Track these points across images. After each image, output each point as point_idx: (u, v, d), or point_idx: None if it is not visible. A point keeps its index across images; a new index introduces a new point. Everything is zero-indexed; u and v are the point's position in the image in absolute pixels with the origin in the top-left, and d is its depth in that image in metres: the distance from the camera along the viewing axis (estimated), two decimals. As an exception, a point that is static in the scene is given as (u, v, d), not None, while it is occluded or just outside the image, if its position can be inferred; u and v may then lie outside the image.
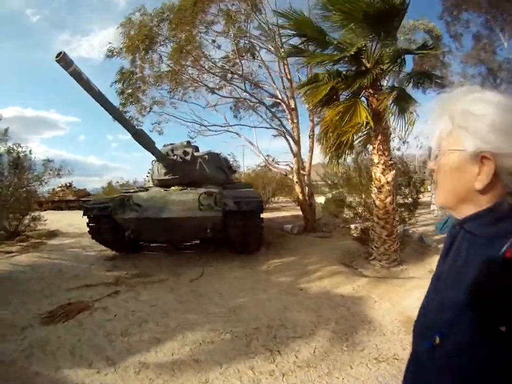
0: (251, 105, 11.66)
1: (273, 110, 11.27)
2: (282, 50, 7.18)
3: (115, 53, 10.49)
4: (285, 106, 9.88)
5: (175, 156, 6.54)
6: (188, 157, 6.63)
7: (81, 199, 20.31)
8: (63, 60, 4.07)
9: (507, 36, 13.69)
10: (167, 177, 6.53)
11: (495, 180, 0.64)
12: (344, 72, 5.40)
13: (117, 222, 5.47)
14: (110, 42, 10.66)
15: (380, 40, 4.99)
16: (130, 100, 10.77)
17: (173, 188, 6.30)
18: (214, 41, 10.81)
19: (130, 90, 10.69)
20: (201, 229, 5.33)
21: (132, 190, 6.79)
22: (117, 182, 22.23)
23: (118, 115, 4.98)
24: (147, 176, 7.86)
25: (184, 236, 6.29)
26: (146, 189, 6.76)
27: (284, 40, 7.46)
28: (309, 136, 9.79)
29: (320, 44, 5.45)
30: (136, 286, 4.73)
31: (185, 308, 3.94)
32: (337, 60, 5.22)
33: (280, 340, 3.04)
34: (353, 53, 4.67)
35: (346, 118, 4.92)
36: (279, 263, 5.91)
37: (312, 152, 9.65)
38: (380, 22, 4.74)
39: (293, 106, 9.54)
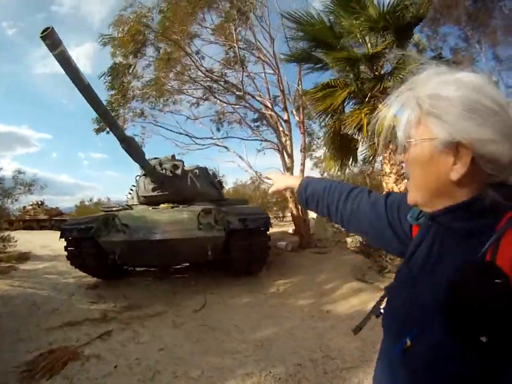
0: (236, 119, 11.30)
1: (257, 124, 10.95)
2: (284, 55, 6.83)
3: (107, 42, 9.74)
4: (273, 119, 9.54)
5: (164, 170, 5.99)
6: (178, 171, 6.07)
7: (54, 218, 19.32)
8: (50, 37, 3.09)
9: (484, 47, 14.04)
10: (155, 193, 5.91)
11: (473, 169, 0.58)
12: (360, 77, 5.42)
13: (101, 245, 4.84)
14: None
15: (396, 47, 5.02)
16: (119, 100, 10.01)
17: (162, 205, 5.72)
18: (198, 52, 10.43)
19: (119, 88, 9.92)
20: (201, 251, 4.77)
21: (114, 208, 6.14)
22: (89, 200, 21.35)
23: (107, 115, 4.29)
24: (130, 193, 7.17)
25: (180, 260, 5.73)
26: (131, 207, 6.15)
27: (291, 44, 7.25)
28: (301, 150, 9.47)
29: (331, 48, 5.45)
30: (130, 322, 4.08)
31: (202, 348, 3.35)
32: (352, 64, 5.22)
33: (333, 374, 2.61)
34: (368, 57, 4.77)
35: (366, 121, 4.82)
36: (288, 284, 5.44)
37: (304, 166, 9.33)
38: (397, 30, 4.86)
39: (285, 118, 9.20)
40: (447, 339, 0.55)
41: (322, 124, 6.51)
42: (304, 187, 1.14)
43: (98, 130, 10.36)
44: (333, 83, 5.21)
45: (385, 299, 0.80)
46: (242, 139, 11.06)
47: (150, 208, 5.70)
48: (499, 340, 0.49)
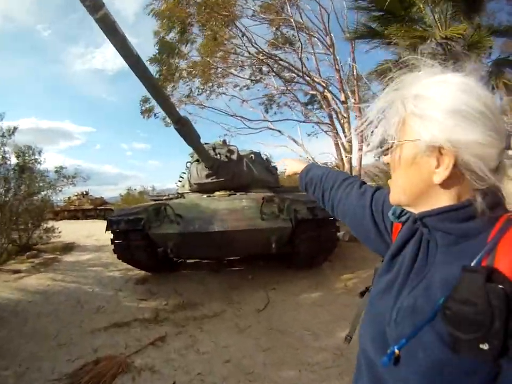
0: (286, 102, 10.48)
1: (309, 107, 10.08)
2: (349, 31, 5.97)
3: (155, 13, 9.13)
4: (328, 101, 8.66)
5: (218, 155, 5.32)
6: (234, 156, 5.39)
7: (98, 207, 19.57)
8: None
9: None
10: (209, 180, 5.26)
11: (457, 172, 0.57)
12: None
13: (152, 238, 4.25)
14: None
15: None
16: (166, 76, 9.41)
17: (217, 193, 5.08)
18: (244, 34, 9.70)
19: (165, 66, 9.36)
20: (264, 244, 4.10)
21: (164, 197, 5.56)
22: (135, 189, 21.23)
23: (159, 91, 3.65)
24: (180, 180, 6.62)
25: (240, 253, 5.07)
26: (183, 196, 5.55)
27: (350, 18, 6.59)
28: (358, 133, 8.50)
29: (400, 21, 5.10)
30: (186, 324, 3.48)
31: (275, 359, 2.74)
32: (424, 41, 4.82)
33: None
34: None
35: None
36: (356, 279, 4.75)
37: (362, 151, 8.38)
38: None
39: (342, 99, 8.30)
40: (443, 347, 0.52)
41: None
42: (305, 172, 1.20)
43: (146, 112, 9.87)
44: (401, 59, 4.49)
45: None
46: (298, 121, 10.20)
47: (205, 196, 5.09)
48: (501, 345, 0.47)
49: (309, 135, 11.39)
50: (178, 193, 5.84)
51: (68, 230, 9.78)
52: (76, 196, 19.60)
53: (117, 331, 3.38)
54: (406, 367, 0.56)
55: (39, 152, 7.47)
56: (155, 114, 10.17)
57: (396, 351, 0.57)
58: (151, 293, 4.61)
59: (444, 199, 0.59)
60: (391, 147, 0.65)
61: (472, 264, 0.52)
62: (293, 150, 9.79)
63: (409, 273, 0.65)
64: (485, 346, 0.47)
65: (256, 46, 8.76)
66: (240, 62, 9.57)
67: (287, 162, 1.34)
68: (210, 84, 10.32)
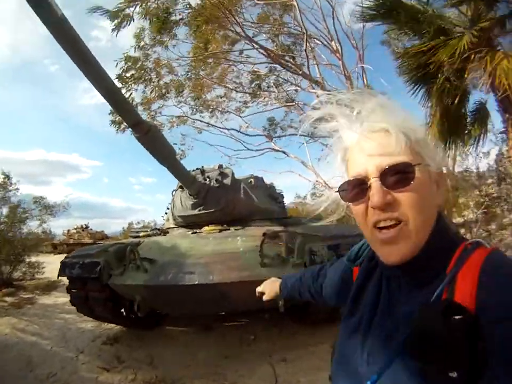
0: (290, 124, 9.54)
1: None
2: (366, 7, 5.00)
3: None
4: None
5: (208, 180, 4.27)
6: (227, 180, 4.34)
7: (98, 241, 18.56)
8: None
9: None
10: (196, 211, 4.21)
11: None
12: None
13: (113, 289, 3.17)
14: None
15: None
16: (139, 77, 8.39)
17: (206, 228, 4.01)
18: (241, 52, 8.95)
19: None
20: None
21: (142, 233, 4.46)
22: (138, 222, 20.49)
23: (104, 79, 2.56)
24: (166, 213, 5.47)
25: (233, 311, 3.85)
26: (165, 232, 4.47)
27: None
28: None
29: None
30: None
31: None
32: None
33: None
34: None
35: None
36: None
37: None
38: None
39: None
40: (413, 380, 0.54)
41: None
42: (284, 285, 1.23)
43: (116, 124, 8.89)
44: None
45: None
46: (306, 136, 9.06)
47: (189, 232, 4.04)
48: (469, 372, 0.48)
49: (318, 159, 10.38)
50: (157, 228, 4.71)
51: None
52: (75, 229, 18.85)
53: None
54: None
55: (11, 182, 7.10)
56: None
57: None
58: (118, 361, 3.54)
59: (429, 230, 0.62)
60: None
61: (433, 297, 0.55)
62: (300, 175, 8.72)
63: (374, 313, 0.67)
64: (453, 374, 0.48)
65: (260, 50, 7.89)
66: (240, 74, 8.71)
67: (262, 288, 1.34)
68: (207, 106, 9.50)
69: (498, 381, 0.46)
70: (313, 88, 7.96)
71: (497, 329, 0.48)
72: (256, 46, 7.65)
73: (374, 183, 0.58)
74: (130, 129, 2.88)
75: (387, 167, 0.58)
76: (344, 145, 0.65)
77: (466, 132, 4.99)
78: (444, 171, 0.61)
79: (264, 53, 7.96)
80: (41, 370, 3.32)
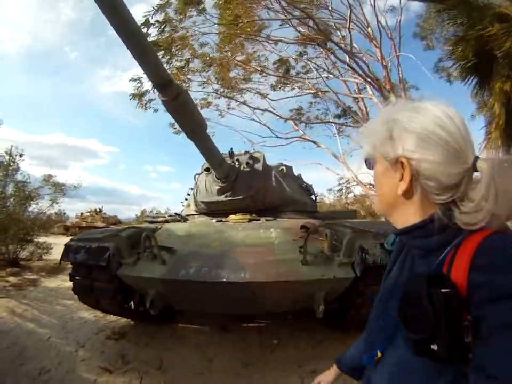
0: (317, 115, 9.00)
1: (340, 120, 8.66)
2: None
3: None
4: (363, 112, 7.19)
5: (237, 163, 3.78)
6: (259, 165, 3.83)
7: (111, 226, 18.47)
8: None
9: None
10: (222, 197, 3.72)
11: (417, 186, 0.64)
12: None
13: (122, 280, 2.72)
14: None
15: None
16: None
17: (233, 216, 3.52)
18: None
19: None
20: (303, 302, 2.54)
21: (160, 219, 3.99)
22: (151, 210, 20.31)
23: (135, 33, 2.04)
24: (186, 199, 4.96)
25: (262, 312, 3.37)
26: (185, 219, 3.99)
27: None
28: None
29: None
30: None
31: None
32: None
33: None
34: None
35: None
36: None
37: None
38: None
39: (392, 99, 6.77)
40: (407, 349, 0.57)
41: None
42: (340, 360, 1.12)
43: (136, 97, 8.70)
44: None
45: None
46: (339, 123, 8.54)
47: (214, 220, 3.56)
48: (449, 348, 0.50)
49: (351, 155, 9.87)
50: (177, 214, 4.22)
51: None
52: (89, 212, 18.78)
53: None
54: (385, 367, 0.67)
55: (20, 155, 6.86)
56: (155, 110, 8.85)
57: (379, 353, 0.67)
58: (122, 361, 3.06)
59: (411, 212, 0.66)
60: (372, 162, 0.74)
61: (429, 270, 0.59)
62: (328, 169, 8.18)
63: (395, 284, 0.73)
64: (434, 347, 0.51)
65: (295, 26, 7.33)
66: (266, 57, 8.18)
67: (318, 380, 1.17)
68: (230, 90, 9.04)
69: (491, 354, 0.48)
70: (353, 69, 7.42)
71: (488, 309, 0.49)
72: (291, 21, 7.16)
73: None
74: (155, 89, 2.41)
75: None
76: None
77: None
78: (403, 160, 0.62)
79: (301, 30, 7.50)
80: (34, 365, 2.90)
